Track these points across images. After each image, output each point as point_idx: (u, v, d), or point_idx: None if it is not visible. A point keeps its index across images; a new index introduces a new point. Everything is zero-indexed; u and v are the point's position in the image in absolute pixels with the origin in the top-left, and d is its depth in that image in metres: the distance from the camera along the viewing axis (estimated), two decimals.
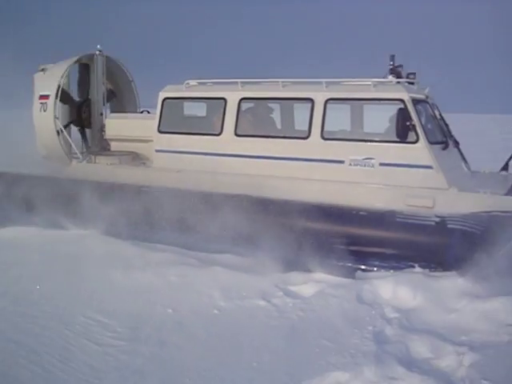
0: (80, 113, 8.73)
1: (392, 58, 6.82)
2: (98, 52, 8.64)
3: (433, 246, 5.52)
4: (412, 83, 6.79)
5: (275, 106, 7.59)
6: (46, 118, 8.02)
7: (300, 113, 7.38)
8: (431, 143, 6.07)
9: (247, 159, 6.90)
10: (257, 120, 7.39)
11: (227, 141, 7.06)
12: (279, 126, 7.65)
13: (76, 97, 8.88)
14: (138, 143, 8.19)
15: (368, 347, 4.05)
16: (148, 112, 8.90)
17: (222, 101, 7.18)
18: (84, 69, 8.80)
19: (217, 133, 7.16)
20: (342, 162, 6.35)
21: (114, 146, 8.56)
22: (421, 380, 3.61)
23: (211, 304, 4.87)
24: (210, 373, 3.72)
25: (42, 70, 8.46)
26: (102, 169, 7.83)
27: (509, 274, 5.23)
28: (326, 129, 6.50)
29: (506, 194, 5.77)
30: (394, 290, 5.07)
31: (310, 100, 6.63)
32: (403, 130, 5.99)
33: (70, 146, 8.32)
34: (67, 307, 4.73)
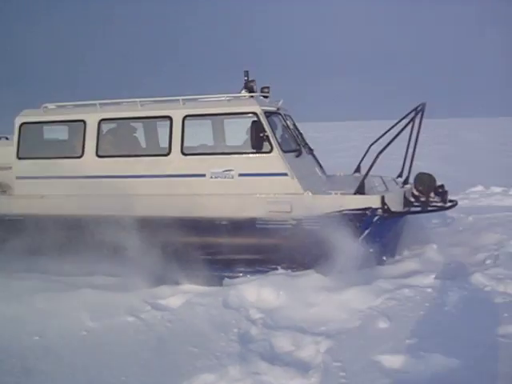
0: None
1: (246, 73, 7.12)
2: None
3: (291, 247, 5.91)
4: (266, 97, 7.17)
5: (138, 125, 7.66)
6: None
7: (165, 131, 7.50)
8: (284, 152, 6.44)
9: (110, 179, 6.88)
10: (118, 140, 7.38)
11: (89, 162, 7.01)
12: (144, 145, 7.71)
13: None
14: None
15: (233, 348, 4.25)
16: (6, 138, 8.56)
17: (82, 123, 7.14)
18: None
19: (78, 155, 7.09)
20: (203, 175, 6.55)
21: None
22: (282, 371, 3.87)
23: (79, 326, 4.83)
24: None
25: None
26: None
27: (359, 266, 5.78)
28: (185, 144, 6.67)
29: (355, 193, 6.26)
30: (259, 292, 5.33)
31: (169, 117, 6.77)
32: (257, 141, 6.29)
33: None
34: None
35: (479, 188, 11.80)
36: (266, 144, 6.38)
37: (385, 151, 6.13)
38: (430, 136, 38.15)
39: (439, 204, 6.78)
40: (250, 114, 6.48)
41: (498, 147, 26.06)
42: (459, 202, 9.96)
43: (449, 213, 8.97)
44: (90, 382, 3.86)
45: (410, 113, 6.81)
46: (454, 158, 20.33)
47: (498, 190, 11.46)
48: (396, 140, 6.35)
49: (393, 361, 3.78)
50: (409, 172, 7.20)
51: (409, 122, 6.72)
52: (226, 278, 5.98)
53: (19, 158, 7.37)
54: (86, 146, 7.05)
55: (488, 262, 6.18)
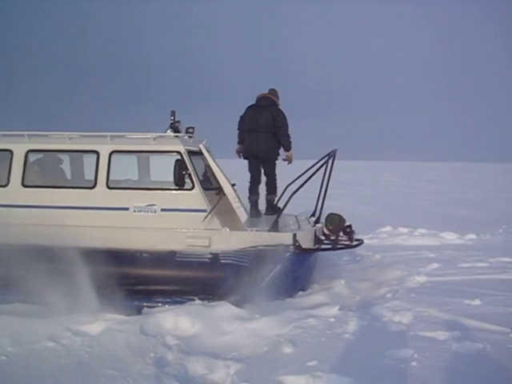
0: None
1: (172, 113, 7.53)
2: None
3: (208, 279, 6.32)
4: (191, 137, 7.58)
5: (66, 157, 7.83)
6: None
7: (92, 164, 7.68)
8: (205, 189, 6.87)
9: (35, 209, 7.01)
10: (45, 171, 7.54)
11: (14, 191, 7.13)
12: (69, 177, 7.89)
13: None
14: None
15: (149, 371, 4.56)
16: None
17: (9, 152, 7.27)
18: None
19: (4, 184, 7.20)
20: (127, 208, 6.83)
21: None
22: None
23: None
24: None
25: None
26: None
27: (270, 298, 6.25)
28: (111, 178, 6.95)
29: (269, 231, 6.75)
30: (175, 320, 5.65)
31: (96, 152, 7.03)
32: (180, 179, 6.67)
33: None
34: None
35: (388, 228, 12.64)
36: (188, 181, 6.78)
37: (301, 191, 6.64)
38: (352, 177, 39.86)
39: (346, 242, 7.39)
40: (174, 153, 6.87)
41: (410, 190, 27.69)
42: (369, 241, 10.82)
43: (358, 251, 9.67)
44: None
45: (324, 157, 7.38)
46: (369, 199, 21.44)
47: (404, 230, 12.32)
48: (314, 180, 6.91)
49: (294, 381, 4.21)
50: (320, 212, 7.80)
51: (321, 166, 7.31)
52: (145, 308, 6.28)
53: None
54: (11, 175, 7.17)
55: (388, 295, 6.78)
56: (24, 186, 7.12)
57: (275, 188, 8.46)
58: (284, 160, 8.47)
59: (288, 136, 8.21)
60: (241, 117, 8.61)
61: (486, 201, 22.03)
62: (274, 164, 8.42)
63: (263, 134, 8.16)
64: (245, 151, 8.48)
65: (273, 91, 8.50)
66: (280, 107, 8.39)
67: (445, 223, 13.61)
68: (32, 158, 7.37)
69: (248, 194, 8.44)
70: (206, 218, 6.67)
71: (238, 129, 8.68)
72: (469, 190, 29.24)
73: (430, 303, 6.19)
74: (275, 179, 8.44)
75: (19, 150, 7.22)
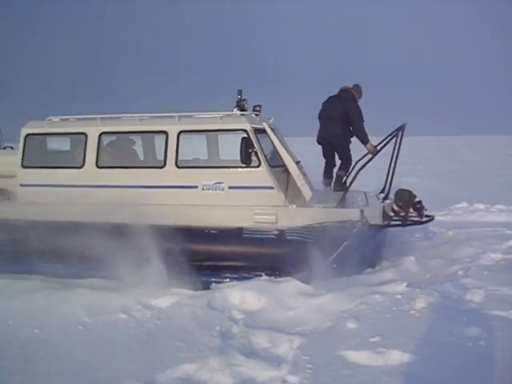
0: None
1: (239, 92, 7.61)
2: None
3: (275, 255, 6.37)
4: (257, 115, 7.63)
5: (137, 138, 8.11)
6: None
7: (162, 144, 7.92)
8: (272, 167, 6.91)
9: (109, 189, 7.32)
10: (117, 152, 7.85)
11: (89, 172, 7.46)
12: (142, 157, 8.17)
13: None
14: (2, 179, 8.29)
15: (214, 343, 4.70)
16: (12, 148, 9.01)
17: (83, 135, 7.59)
18: None
19: (79, 165, 7.54)
20: (195, 187, 7.00)
21: None
22: (257, 364, 4.31)
23: (76, 321, 5.29)
24: (73, 376, 4.18)
25: None
26: None
27: (337, 274, 6.23)
28: (180, 158, 7.12)
29: (336, 207, 6.72)
30: (242, 295, 5.78)
31: (165, 132, 7.22)
32: (247, 156, 6.75)
33: None
34: None
35: (463, 204, 12.22)
36: (254, 159, 6.84)
37: (377, 167, 6.51)
38: (429, 153, 38.74)
39: (416, 219, 7.24)
40: (241, 131, 6.95)
41: (490, 166, 26.52)
42: (443, 218, 10.54)
43: (431, 228, 9.44)
44: (84, 369, 4.30)
45: (393, 132, 7.24)
46: (445, 175, 20.78)
47: (481, 206, 11.86)
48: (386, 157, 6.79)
49: (356, 356, 4.21)
50: (389, 188, 7.66)
51: (389, 141, 7.17)
52: (213, 283, 6.44)
53: (24, 167, 7.81)
54: (86, 157, 7.50)
55: (460, 273, 6.57)
56: (98, 166, 7.42)
57: (348, 168, 8.40)
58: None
59: (362, 131, 8.15)
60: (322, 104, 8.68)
61: None
62: (348, 149, 8.45)
63: (336, 121, 8.25)
64: (318, 137, 8.62)
65: (356, 86, 8.54)
66: (359, 103, 8.43)
67: None
68: (105, 140, 7.67)
69: (323, 178, 8.61)
70: (278, 197, 6.73)
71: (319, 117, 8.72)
72: None
73: (503, 281, 5.94)
74: (350, 163, 8.39)
75: (93, 132, 7.53)
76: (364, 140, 8.14)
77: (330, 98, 8.56)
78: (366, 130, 8.20)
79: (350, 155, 8.44)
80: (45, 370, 4.29)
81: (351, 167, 8.37)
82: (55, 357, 4.54)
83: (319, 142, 8.65)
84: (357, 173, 6.98)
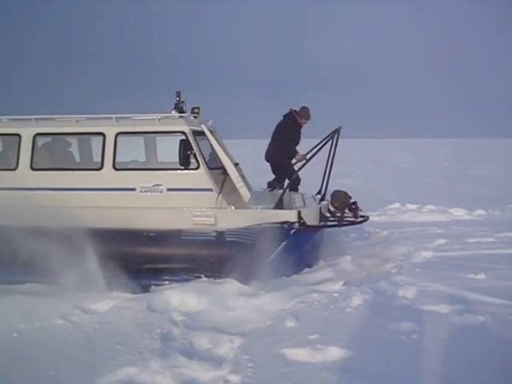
0: None
1: (178, 94, 7.57)
2: None
3: (214, 257, 6.41)
4: (196, 117, 7.65)
5: (73, 140, 7.94)
6: None
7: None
8: (211, 169, 6.95)
9: (44, 191, 7.13)
10: (53, 154, 7.66)
11: (23, 175, 7.25)
12: (78, 159, 8.01)
13: None
14: None
15: (155, 345, 4.67)
16: None
17: (17, 137, 7.38)
18: None
19: (13, 167, 7.32)
20: (133, 189, 6.95)
21: None
22: (199, 365, 4.32)
23: (11, 328, 5.11)
24: None
25: None
26: None
27: (275, 275, 6.35)
28: (117, 160, 7.05)
29: (274, 208, 6.83)
30: (182, 297, 5.76)
31: (102, 134, 7.13)
32: (185, 159, 6.76)
33: None
34: None
35: (396, 205, 12.67)
36: (193, 161, 6.86)
37: (314, 169, 6.66)
38: (363, 156, 39.81)
39: (352, 219, 7.47)
40: (179, 133, 6.95)
41: (421, 167, 27.63)
42: (377, 218, 10.89)
43: (366, 228, 9.75)
44: (20, 377, 4.18)
45: (329, 135, 7.42)
46: (379, 177, 21.47)
47: (413, 207, 12.35)
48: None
49: (295, 353, 4.32)
50: (325, 189, 7.87)
51: (325, 144, 7.36)
52: (152, 286, 6.40)
53: None
54: (20, 159, 7.29)
55: (393, 270, 6.86)
56: (33, 169, 7.24)
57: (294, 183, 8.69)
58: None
59: (288, 146, 8.85)
60: None
61: (497, 177, 21.96)
62: (288, 168, 8.84)
63: (274, 142, 9.08)
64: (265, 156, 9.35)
65: (302, 109, 9.09)
66: (302, 124, 9.11)
67: (454, 199, 13.60)
68: (40, 141, 7.48)
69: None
70: (217, 198, 6.76)
71: None
72: (480, 166, 29.12)
73: (434, 278, 6.26)
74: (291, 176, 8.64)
75: (27, 133, 7.33)
76: (292, 154, 8.81)
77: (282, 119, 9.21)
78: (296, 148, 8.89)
79: (288, 172, 8.71)
80: None
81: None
82: None
83: (267, 160, 9.28)
84: (293, 175, 7.13)
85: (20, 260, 6.40)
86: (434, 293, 5.75)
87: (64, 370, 4.28)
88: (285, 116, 9.16)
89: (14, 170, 7.29)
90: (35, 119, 7.41)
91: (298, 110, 9.09)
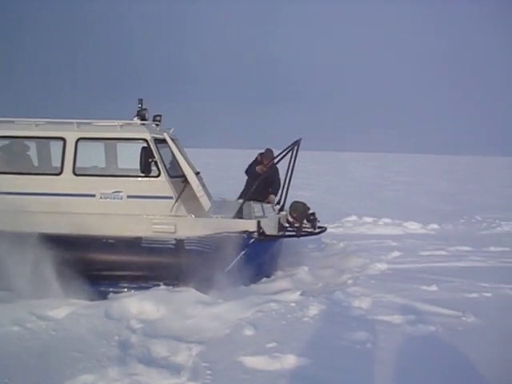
0: None
1: (140, 101, 7.59)
2: None
3: (173, 265, 6.43)
4: (157, 124, 7.66)
5: (32, 144, 7.82)
6: None
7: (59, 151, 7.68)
8: (171, 177, 6.97)
9: (1, 196, 7.01)
10: (11, 157, 7.53)
11: None
12: (36, 164, 7.88)
13: None
14: None
15: (113, 353, 4.66)
16: None
17: None
18: None
19: None
20: (93, 195, 6.90)
21: None
22: (157, 372, 4.33)
23: None
24: None
25: None
26: None
27: (234, 284, 6.41)
28: (77, 165, 6.99)
29: (234, 217, 6.90)
30: (140, 305, 5.77)
31: (62, 139, 7.06)
32: (146, 166, 6.77)
33: None
34: None
35: (353, 218, 12.93)
36: (154, 169, 6.87)
37: None
38: (321, 168, 40.28)
39: (310, 230, 7.60)
40: (141, 140, 6.95)
41: (378, 181, 28.17)
42: (334, 230, 11.08)
43: (323, 239, 9.93)
44: None
45: (289, 146, 7.54)
46: (337, 190, 21.80)
47: (369, 220, 12.62)
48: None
49: (253, 361, 4.39)
50: (284, 200, 7.99)
51: (285, 155, 7.48)
52: (110, 293, 6.37)
53: None
54: None
55: (349, 282, 7.01)
56: None
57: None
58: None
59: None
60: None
61: (453, 192, 22.62)
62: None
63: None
64: None
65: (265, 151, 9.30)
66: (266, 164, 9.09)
67: (409, 213, 13.97)
68: None
69: None
70: (173, 206, 6.78)
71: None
72: (437, 181, 29.90)
73: (388, 289, 6.44)
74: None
75: None
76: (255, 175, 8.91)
77: None
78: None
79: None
80: None
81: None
82: None
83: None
84: (252, 186, 7.22)
85: None
86: (387, 304, 5.92)
87: (20, 378, 4.23)
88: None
89: None
90: None
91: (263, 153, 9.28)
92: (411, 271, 7.54)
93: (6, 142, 7.56)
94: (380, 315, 5.52)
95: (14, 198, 6.93)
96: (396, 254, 8.74)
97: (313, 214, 7.69)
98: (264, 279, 7.11)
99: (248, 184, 9.17)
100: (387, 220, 12.53)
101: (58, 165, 7.11)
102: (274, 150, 8.96)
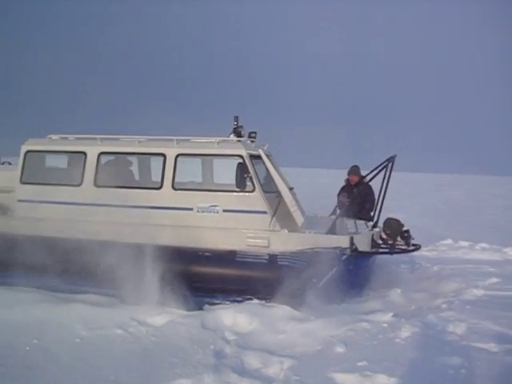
0: None
1: (236, 119, 7.89)
2: None
3: (266, 280, 6.57)
4: (253, 141, 7.90)
5: (134, 159, 8.33)
6: None
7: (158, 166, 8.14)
8: (266, 192, 7.15)
9: (106, 208, 7.46)
10: (115, 172, 8.01)
11: (87, 191, 7.63)
12: (137, 178, 8.37)
13: None
14: (0, 194, 8.43)
15: (208, 361, 4.89)
16: (9, 163, 9.16)
17: (83, 154, 7.80)
18: None
19: (77, 183, 7.72)
20: (190, 209, 7.22)
21: None
22: (250, 382, 4.53)
23: (74, 334, 5.49)
24: None
25: None
26: None
27: (327, 300, 6.45)
28: (176, 180, 7.35)
29: (326, 234, 6.96)
30: (234, 317, 5.98)
31: (163, 155, 7.46)
32: (242, 181, 7.01)
33: None
34: None
35: (448, 241, 12.53)
36: (249, 184, 7.09)
37: None
38: (414, 190, 39.26)
39: (403, 247, 7.49)
40: (237, 157, 7.20)
41: (475, 204, 27.06)
42: (428, 253, 10.81)
43: (417, 261, 9.73)
44: (83, 379, 4.48)
45: (383, 163, 7.54)
46: (430, 212, 21.16)
47: (465, 244, 12.17)
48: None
49: (344, 378, 4.44)
50: (378, 216, 7.94)
51: (379, 171, 7.48)
52: (205, 304, 6.64)
53: (22, 183, 7.98)
54: (85, 175, 7.69)
55: (443, 306, 6.82)
56: (96, 185, 7.63)
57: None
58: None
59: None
60: None
61: None
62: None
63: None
64: None
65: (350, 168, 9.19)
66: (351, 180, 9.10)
67: (508, 238, 13.32)
68: (104, 159, 7.88)
69: None
70: (271, 220, 6.94)
71: None
72: None
73: (485, 316, 6.20)
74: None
75: (92, 152, 7.75)
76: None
77: None
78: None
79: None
80: (45, 379, 4.48)
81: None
82: (55, 366, 4.72)
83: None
84: (347, 202, 7.28)
85: (81, 270, 6.79)
86: (484, 331, 5.71)
87: (123, 376, 4.55)
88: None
89: (78, 185, 7.70)
90: (100, 139, 7.81)
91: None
92: (510, 298, 7.21)
93: (111, 157, 8.08)
94: (475, 342, 5.34)
95: (118, 210, 7.37)
96: (494, 280, 8.37)
97: (407, 231, 7.58)
98: (356, 298, 7.09)
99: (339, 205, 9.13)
100: (484, 245, 12.02)
101: (157, 179, 7.50)
102: (362, 169, 8.91)
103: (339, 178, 9.61)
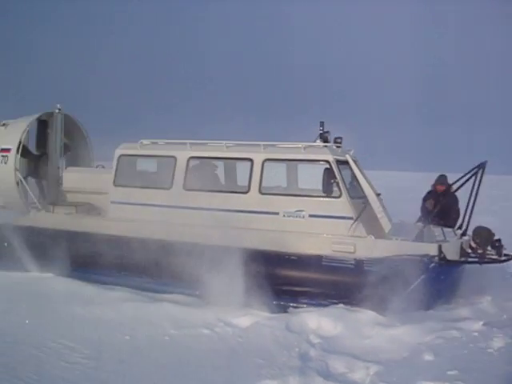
0: (38, 166, 9.31)
1: (321, 124, 7.86)
2: (57, 110, 9.33)
3: (352, 285, 6.52)
4: (339, 146, 7.86)
5: (219, 164, 8.51)
6: (7, 170, 8.62)
7: (241, 170, 8.28)
8: (352, 198, 7.10)
9: (195, 211, 7.65)
10: (203, 176, 8.18)
11: (177, 194, 7.87)
12: (223, 182, 8.56)
13: (33, 150, 9.40)
14: (94, 195, 8.87)
15: (293, 363, 4.94)
16: (103, 167, 9.62)
17: (173, 159, 8.06)
18: (42, 125, 9.36)
19: (168, 187, 7.99)
20: (277, 213, 7.28)
21: (70, 197, 9.21)
22: None
23: (163, 332, 5.72)
24: (163, 381, 4.54)
25: (3, 125, 9.05)
26: (60, 218, 8.49)
27: (413, 307, 6.31)
28: (263, 185, 7.44)
29: (414, 241, 6.82)
30: (319, 320, 6.00)
31: (250, 160, 7.57)
32: (328, 187, 6.99)
33: (27, 196, 8.94)
34: (36, 335, 5.46)
35: None
36: (335, 190, 7.06)
37: None
38: (504, 193, 37.51)
39: (494, 257, 7.20)
40: (323, 162, 7.20)
41: None
42: None
43: (509, 269, 9.28)
44: (173, 376, 4.67)
45: (473, 169, 7.28)
46: None
47: None
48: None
49: None
50: (467, 224, 7.67)
51: (469, 178, 7.22)
52: (290, 307, 6.68)
53: (115, 185, 8.36)
54: (175, 179, 7.94)
55: None
56: (185, 189, 7.85)
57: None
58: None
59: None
60: None
61: None
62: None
63: None
64: None
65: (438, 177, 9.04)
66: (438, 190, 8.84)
67: None
68: (192, 164, 8.09)
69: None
70: (352, 226, 6.90)
71: None
72: None
73: None
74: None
75: (182, 156, 7.98)
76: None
77: None
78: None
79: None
80: (136, 373, 4.69)
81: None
82: (146, 362, 4.94)
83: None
84: (432, 209, 7.10)
85: (170, 271, 7.03)
86: None
87: (211, 375, 4.69)
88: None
89: (168, 189, 7.95)
90: (189, 143, 8.03)
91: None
92: None
93: (199, 162, 8.29)
94: None
95: (206, 213, 7.53)
96: None
97: (498, 240, 7.28)
98: (443, 305, 6.88)
99: (423, 211, 8.91)
100: None
101: (242, 183, 7.61)
102: (457, 173, 8.65)
103: (418, 182, 9.33)
